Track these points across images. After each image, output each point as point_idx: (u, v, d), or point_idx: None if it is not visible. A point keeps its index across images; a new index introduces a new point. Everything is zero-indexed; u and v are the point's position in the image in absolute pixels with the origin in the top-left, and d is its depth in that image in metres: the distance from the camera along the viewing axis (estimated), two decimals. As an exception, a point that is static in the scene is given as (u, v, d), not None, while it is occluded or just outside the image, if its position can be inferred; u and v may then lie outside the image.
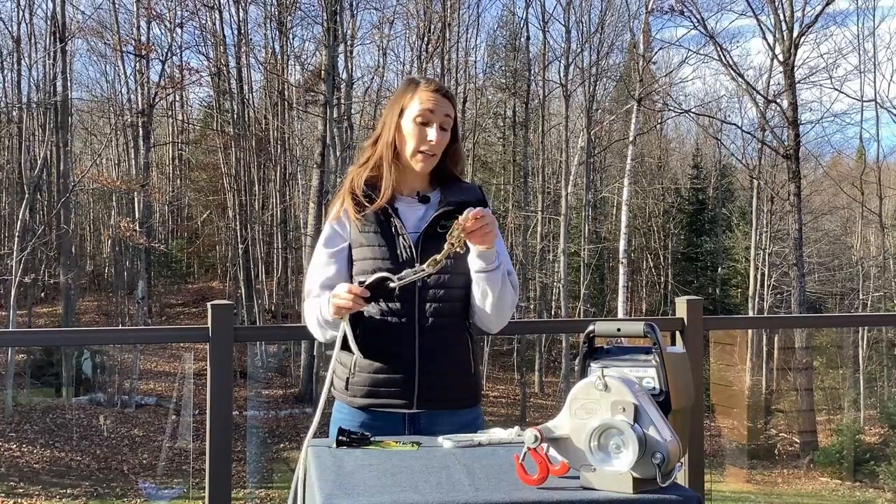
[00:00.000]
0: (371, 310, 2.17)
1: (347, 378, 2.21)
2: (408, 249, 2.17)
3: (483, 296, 2.17)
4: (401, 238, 2.18)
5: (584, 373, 1.72)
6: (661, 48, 26.58)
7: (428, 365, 2.16)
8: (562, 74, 25.15)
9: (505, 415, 21.25)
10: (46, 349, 19.82)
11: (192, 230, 32.24)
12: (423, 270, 1.98)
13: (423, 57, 24.41)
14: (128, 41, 24.42)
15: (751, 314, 22.33)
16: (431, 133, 2.20)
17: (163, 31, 26.12)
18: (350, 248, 2.24)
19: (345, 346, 2.14)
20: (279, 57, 25.74)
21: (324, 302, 2.15)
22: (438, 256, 1.98)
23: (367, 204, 2.21)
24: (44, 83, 24.71)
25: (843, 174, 28.53)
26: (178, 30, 26.22)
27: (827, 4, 20.86)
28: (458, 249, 1.99)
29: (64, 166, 23.40)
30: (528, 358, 24.77)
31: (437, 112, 2.21)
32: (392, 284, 2.01)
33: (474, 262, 2.15)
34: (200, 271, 31.96)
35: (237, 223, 25.24)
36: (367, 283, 2.05)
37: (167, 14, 25.36)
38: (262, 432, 18.11)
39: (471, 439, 1.88)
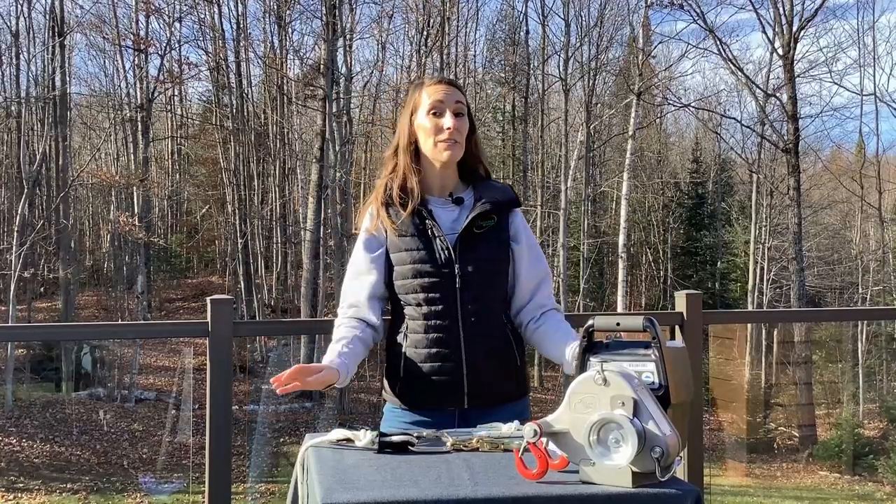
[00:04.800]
0: (412, 313, 2.19)
1: (397, 382, 2.23)
2: (445, 251, 2.17)
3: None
4: (437, 240, 2.19)
5: (583, 367, 1.72)
6: (660, 42, 26.61)
7: (475, 364, 2.17)
8: (561, 68, 25.14)
9: (504, 409, 21.20)
10: (46, 344, 19.82)
11: (192, 225, 32.23)
12: (446, 447, 1.82)
13: (422, 51, 24.36)
14: (126, 36, 24.36)
15: (750, 308, 22.32)
16: (447, 121, 2.21)
17: (161, 25, 26.05)
18: (387, 252, 2.24)
19: (390, 346, 2.22)
20: (278, 51, 25.69)
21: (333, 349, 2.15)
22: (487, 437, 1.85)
23: (401, 210, 2.21)
24: (42, 78, 24.71)
25: (843, 168, 28.55)
26: (177, 24, 26.22)
27: (826, -2, 20.83)
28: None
29: (63, 161, 23.38)
30: (528, 352, 24.72)
31: (448, 100, 2.23)
32: (412, 448, 1.83)
33: None
34: (200, 266, 31.95)
35: (236, 218, 25.21)
36: (390, 440, 1.84)
37: (166, 8, 25.32)
38: (262, 427, 18.12)
39: (469, 434, 1.88)
